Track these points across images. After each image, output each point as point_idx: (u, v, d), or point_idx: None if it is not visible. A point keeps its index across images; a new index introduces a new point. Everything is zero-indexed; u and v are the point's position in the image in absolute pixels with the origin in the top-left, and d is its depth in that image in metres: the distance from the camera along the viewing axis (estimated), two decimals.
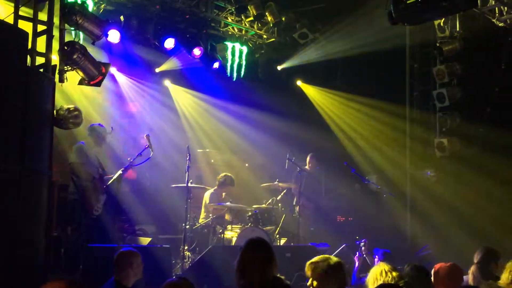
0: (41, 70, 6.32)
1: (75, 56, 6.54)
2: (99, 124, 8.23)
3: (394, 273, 4.23)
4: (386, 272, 4.23)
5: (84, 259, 6.81)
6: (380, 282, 4.17)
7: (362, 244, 7.07)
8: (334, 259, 4.15)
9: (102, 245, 7.12)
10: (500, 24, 8.89)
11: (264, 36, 11.45)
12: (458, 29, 9.79)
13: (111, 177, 7.64)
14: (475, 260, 5.49)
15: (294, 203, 10.05)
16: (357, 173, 10.02)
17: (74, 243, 7.44)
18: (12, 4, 6.38)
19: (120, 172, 7.58)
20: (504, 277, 4.72)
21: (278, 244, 9.10)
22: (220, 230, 8.77)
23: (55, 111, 6.43)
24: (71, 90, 9.09)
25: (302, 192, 9.81)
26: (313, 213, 10.25)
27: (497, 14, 8.86)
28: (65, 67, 6.58)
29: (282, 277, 4.15)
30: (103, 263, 6.04)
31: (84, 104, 9.50)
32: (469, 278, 5.36)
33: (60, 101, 7.04)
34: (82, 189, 7.59)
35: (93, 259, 6.61)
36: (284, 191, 9.92)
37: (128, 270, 5.09)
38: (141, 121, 11.46)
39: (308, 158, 10.55)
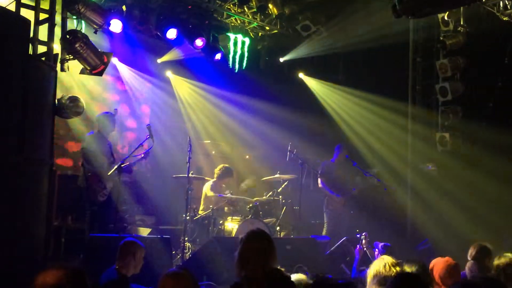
0: (43, 59, 6.29)
1: (77, 45, 6.51)
2: (105, 113, 8.30)
3: (397, 268, 4.22)
4: (389, 267, 4.22)
5: (85, 248, 6.81)
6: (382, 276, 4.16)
7: (362, 237, 7.05)
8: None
9: (103, 234, 7.13)
10: (504, 18, 8.84)
11: (267, 28, 11.40)
12: (462, 23, 9.74)
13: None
14: (470, 257, 5.55)
15: (324, 197, 9.93)
16: (358, 167, 9.99)
17: (77, 231, 7.46)
18: None
19: (120, 162, 7.60)
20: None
21: (278, 236, 9.11)
22: (221, 222, 8.78)
23: (56, 100, 6.41)
24: (70, 79, 9.10)
25: (331, 185, 9.73)
26: (341, 206, 9.81)
27: (501, 8, 8.81)
28: (67, 56, 6.55)
29: (282, 269, 4.15)
30: (104, 252, 6.05)
31: (83, 94, 9.49)
32: (466, 273, 5.39)
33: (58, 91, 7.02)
34: (88, 176, 7.64)
35: (94, 248, 6.61)
36: (286, 183, 9.89)
37: (130, 259, 5.09)
38: (142, 112, 11.46)
39: (336, 150, 10.12)
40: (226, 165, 9.91)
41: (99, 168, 7.68)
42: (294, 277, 4.45)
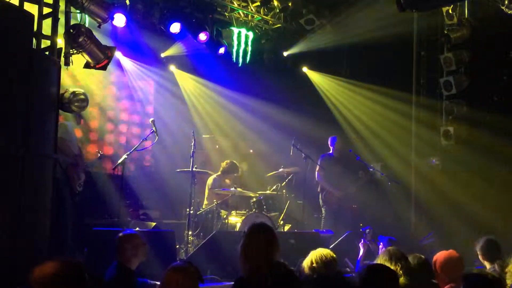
0: (47, 53, 6.30)
1: (80, 39, 6.52)
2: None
3: (402, 262, 4.24)
4: (394, 261, 4.25)
5: (89, 242, 6.83)
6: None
7: (367, 231, 7.05)
8: None
9: (107, 228, 7.15)
10: (509, 12, 8.77)
11: (270, 22, 11.38)
12: (466, 16, 9.70)
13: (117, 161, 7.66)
14: (484, 254, 5.40)
15: (318, 190, 9.81)
16: (362, 161, 9.97)
17: (81, 225, 7.43)
18: None
19: (125, 156, 7.62)
20: None
21: (282, 230, 9.11)
22: (225, 216, 8.79)
23: (60, 94, 6.41)
24: (75, 74, 9.10)
25: (329, 179, 9.65)
26: (337, 201, 9.70)
27: (506, 1, 8.74)
28: (71, 50, 6.56)
29: (286, 262, 4.17)
30: (108, 246, 6.06)
31: (88, 88, 9.50)
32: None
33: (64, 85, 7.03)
34: (65, 166, 7.31)
35: (98, 242, 6.63)
36: (290, 177, 9.87)
37: (128, 251, 5.09)
38: (146, 106, 11.47)
39: (331, 143, 10.02)
40: (233, 161, 9.86)
41: (68, 158, 7.32)
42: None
